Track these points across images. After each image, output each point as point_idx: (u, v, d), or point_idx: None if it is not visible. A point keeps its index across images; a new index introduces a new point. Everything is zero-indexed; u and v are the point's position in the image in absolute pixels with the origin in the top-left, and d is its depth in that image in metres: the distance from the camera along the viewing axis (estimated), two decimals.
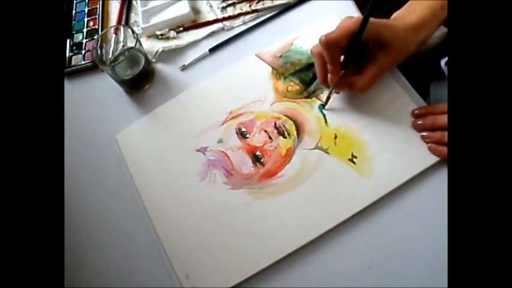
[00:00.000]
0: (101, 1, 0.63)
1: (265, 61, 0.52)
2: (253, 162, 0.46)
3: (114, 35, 0.54)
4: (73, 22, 0.62)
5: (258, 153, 0.46)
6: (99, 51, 0.52)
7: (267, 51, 0.52)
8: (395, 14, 0.44)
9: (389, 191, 0.41)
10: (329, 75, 0.43)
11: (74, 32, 0.61)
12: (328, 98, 0.46)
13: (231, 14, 0.57)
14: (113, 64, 0.52)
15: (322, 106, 0.47)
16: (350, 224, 0.41)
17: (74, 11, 0.63)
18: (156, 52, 0.56)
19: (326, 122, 0.46)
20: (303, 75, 0.50)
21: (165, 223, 0.45)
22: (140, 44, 0.51)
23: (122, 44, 0.54)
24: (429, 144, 0.42)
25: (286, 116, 0.48)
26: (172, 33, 0.57)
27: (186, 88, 0.53)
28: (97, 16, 0.62)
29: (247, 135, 0.48)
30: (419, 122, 0.43)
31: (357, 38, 0.40)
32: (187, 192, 0.46)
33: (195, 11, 0.59)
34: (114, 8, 0.63)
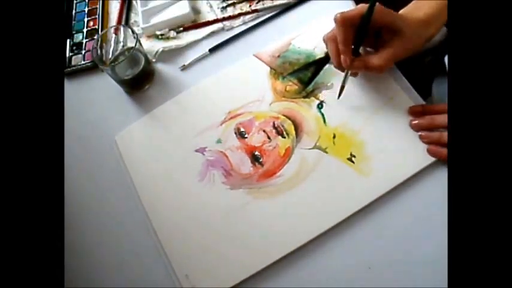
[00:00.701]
0: (101, 1, 0.63)
1: (263, 61, 0.52)
2: (252, 162, 0.46)
3: (114, 35, 0.54)
4: (73, 22, 0.62)
5: (256, 153, 0.46)
6: (99, 51, 0.52)
7: (265, 51, 0.52)
8: (402, 11, 0.45)
9: (388, 190, 0.41)
10: (342, 56, 0.43)
11: (74, 32, 0.61)
12: (342, 86, 0.45)
13: (231, 14, 0.57)
14: (113, 64, 0.52)
15: (321, 106, 0.47)
16: (349, 223, 0.41)
17: (74, 11, 0.63)
18: (156, 52, 0.56)
19: (325, 121, 0.46)
20: (301, 75, 0.50)
21: (164, 223, 0.45)
22: (140, 44, 0.51)
23: (122, 44, 0.54)
24: (428, 146, 0.42)
25: (284, 115, 0.48)
26: (172, 33, 0.57)
27: (186, 88, 0.53)
28: (97, 16, 0.62)
29: (246, 135, 0.48)
30: (417, 122, 0.43)
31: (366, 17, 0.40)
32: (186, 193, 0.46)
33: (195, 11, 0.59)
34: (114, 8, 0.63)
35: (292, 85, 0.49)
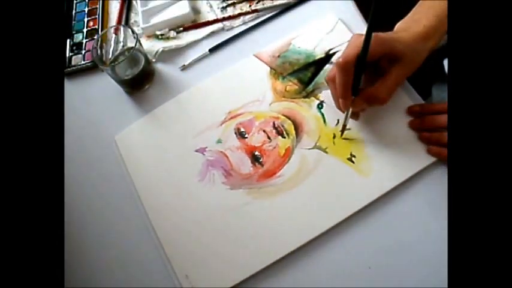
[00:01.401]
0: (101, 1, 0.63)
1: (263, 61, 0.52)
2: (252, 162, 0.46)
3: (114, 35, 0.54)
4: (73, 22, 0.62)
5: (256, 153, 0.46)
6: (99, 51, 0.52)
7: (265, 51, 0.52)
8: (399, 24, 0.43)
9: (388, 190, 0.41)
10: (340, 100, 0.41)
11: (74, 32, 0.61)
12: (344, 126, 0.44)
13: (231, 14, 0.57)
14: (113, 64, 0.52)
15: (321, 106, 0.47)
16: (349, 223, 0.41)
17: (74, 11, 0.63)
18: (156, 52, 0.56)
19: (325, 121, 0.46)
20: (301, 75, 0.50)
21: (164, 223, 0.45)
22: (140, 44, 0.51)
23: (122, 44, 0.54)
24: (429, 147, 0.42)
25: (284, 115, 0.48)
26: (172, 33, 0.57)
27: (186, 88, 0.53)
28: (97, 16, 0.62)
29: (246, 135, 0.48)
30: (417, 122, 0.43)
31: (362, 57, 0.38)
32: (187, 193, 0.46)
33: (195, 11, 0.59)
34: (114, 8, 0.63)
35: (292, 85, 0.49)
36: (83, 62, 0.58)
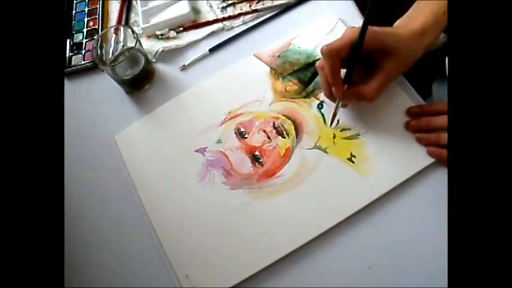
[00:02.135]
0: (101, 1, 0.63)
1: (263, 61, 0.52)
2: (252, 162, 0.46)
3: (114, 35, 0.54)
4: (73, 22, 0.62)
5: (256, 153, 0.46)
6: (99, 51, 0.52)
7: (265, 51, 0.52)
8: (397, 22, 0.44)
9: (389, 190, 0.41)
10: (333, 88, 0.42)
11: (74, 32, 0.61)
12: (334, 114, 0.44)
13: (231, 14, 0.57)
14: (113, 64, 0.52)
15: (321, 106, 0.47)
16: (349, 223, 0.41)
17: (74, 11, 0.63)
18: (156, 52, 0.56)
19: (325, 121, 0.46)
20: (301, 75, 0.50)
21: (164, 223, 0.45)
22: (140, 44, 0.51)
23: (121, 44, 0.54)
24: (429, 148, 0.42)
25: (284, 115, 0.48)
26: (172, 33, 0.57)
27: (186, 88, 0.53)
28: (97, 16, 0.62)
29: (246, 135, 0.48)
30: (413, 123, 0.43)
31: (357, 47, 0.39)
32: (187, 193, 0.46)
33: (195, 11, 0.59)
34: (114, 8, 0.63)
35: (292, 85, 0.49)
36: (83, 62, 0.58)
